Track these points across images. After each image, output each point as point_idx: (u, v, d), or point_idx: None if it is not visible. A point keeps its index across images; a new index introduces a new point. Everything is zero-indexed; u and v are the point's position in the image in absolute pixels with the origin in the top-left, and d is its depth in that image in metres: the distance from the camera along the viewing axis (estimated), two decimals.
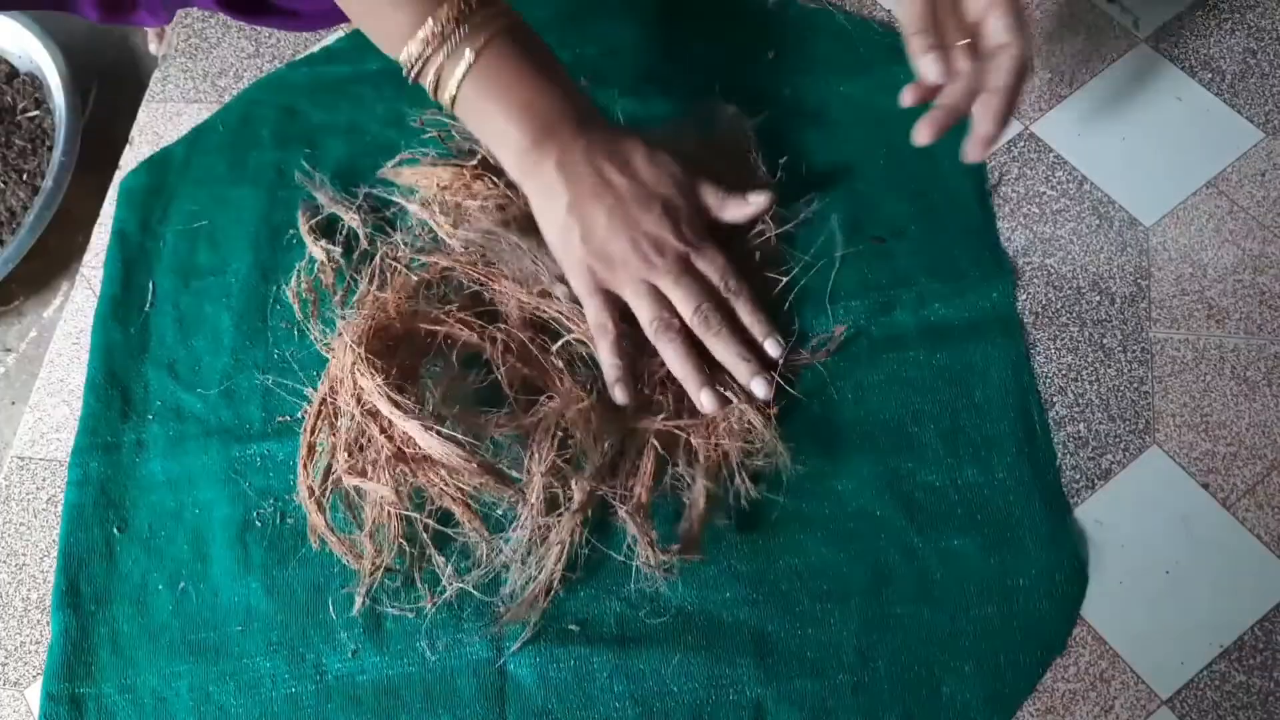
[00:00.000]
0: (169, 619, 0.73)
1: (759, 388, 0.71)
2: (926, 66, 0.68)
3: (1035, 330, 0.74)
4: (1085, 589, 0.67)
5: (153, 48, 1.14)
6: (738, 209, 0.75)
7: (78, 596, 0.74)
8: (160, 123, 0.93)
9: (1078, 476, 0.69)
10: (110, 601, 0.74)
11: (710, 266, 0.73)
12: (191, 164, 0.89)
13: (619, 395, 0.71)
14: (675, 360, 0.71)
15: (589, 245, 0.72)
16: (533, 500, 0.68)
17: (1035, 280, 0.75)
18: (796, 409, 0.72)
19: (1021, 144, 0.81)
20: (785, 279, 0.76)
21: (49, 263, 0.93)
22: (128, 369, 0.81)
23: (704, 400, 0.70)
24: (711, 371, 0.72)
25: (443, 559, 0.71)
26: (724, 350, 0.71)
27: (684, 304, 0.72)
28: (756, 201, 0.75)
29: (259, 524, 0.75)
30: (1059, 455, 0.70)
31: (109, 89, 1.14)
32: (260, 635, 0.71)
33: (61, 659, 0.72)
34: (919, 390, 0.73)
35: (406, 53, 0.71)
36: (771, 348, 0.72)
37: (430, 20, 0.69)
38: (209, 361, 0.81)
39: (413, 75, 0.72)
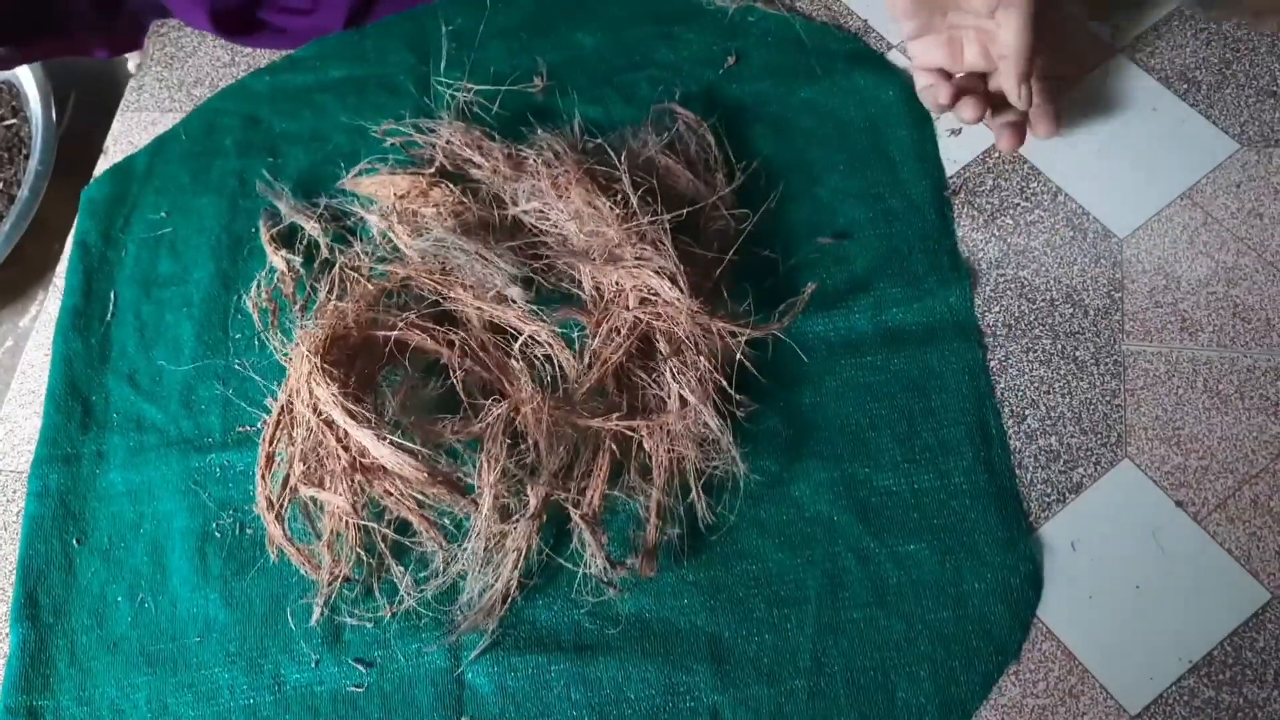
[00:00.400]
0: (128, 630, 0.72)
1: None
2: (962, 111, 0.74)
3: (1008, 342, 0.73)
4: (1040, 593, 0.67)
5: (130, 63, 1.14)
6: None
7: (36, 608, 0.74)
8: (135, 132, 0.93)
9: (1049, 490, 0.69)
10: (69, 613, 0.73)
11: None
12: (154, 173, 0.89)
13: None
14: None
15: None
16: (485, 508, 0.68)
17: (1008, 292, 0.75)
18: (754, 414, 0.72)
19: (995, 155, 0.80)
20: (728, 257, 0.75)
21: (25, 272, 0.93)
22: (88, 380, 0.81)
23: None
24: None
25: (401, 569, 0.70)
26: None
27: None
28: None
29: (218, 535, 0.75)
30: (1030, 468, 0.70)
31: (87, 97, 1.14)
32: (218, 646, 0.71)
33: (19, 671, 0.72)
34: (876, 395, 0.73)
35: None
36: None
37: None
38: (170, 372, 0.81)
39: None
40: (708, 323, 0.71)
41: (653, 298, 0.73)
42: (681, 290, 0.71)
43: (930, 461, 0.70)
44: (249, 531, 0.74)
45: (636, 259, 0.72)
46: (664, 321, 0.72)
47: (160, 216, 0.87)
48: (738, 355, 0.71)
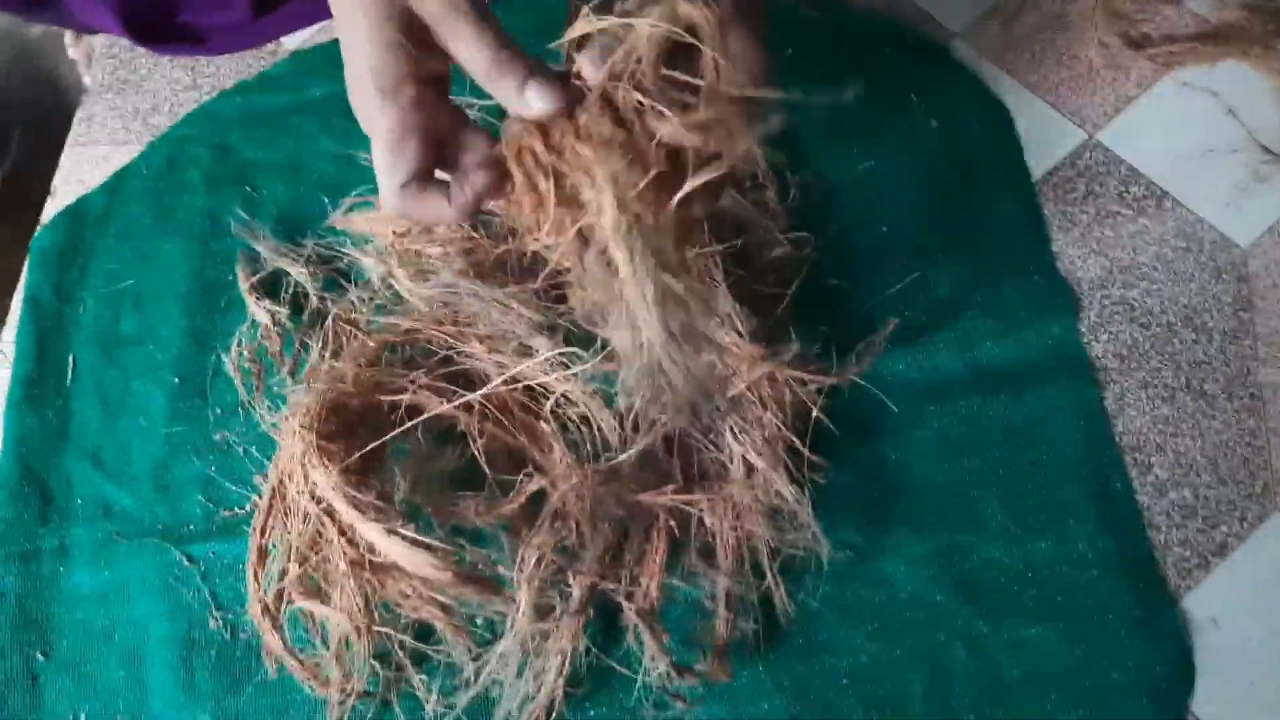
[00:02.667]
0: None
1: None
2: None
3: (1122, 377, 0.64)
4: (1193, 685, 0.56)
5: (85, 78, 1.03)
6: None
7: None
8: (86, 169, 0.82)
9: (1187, 553, 0.59)
10: None
11: None
12: (112, 215, 0.78)
13: (540, 98, 0.47)
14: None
15: None
16: (524, 607, 0.57)
17: (1116, 317, 0.65)
18: (831, 479, 0.62)
19: (1088, 155, 0.70)
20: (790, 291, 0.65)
21: None
22: (45, 460, 0.70)
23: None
24: None
25: (423, 679, 0.60)
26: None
27: None
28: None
29: (206, 642, 0.64)
30: (1163, 529, 0.60)
31: (34, 130, 1.03)
32: None
33: None
34: (973, 448, 0.63)
35: None
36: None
37: None
38: (139, 448, 0.70)
39: None
40: (772, 370, 0.61)
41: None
42: (740, 334, 0.60)
43: (1045, 525, 0.61)
44: (243, 636, 0.64)
45: None
46: (719, 370, 0.62)
47: (120, 266, 0.76)
48: (813, 409, 0.60)
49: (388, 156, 0.47)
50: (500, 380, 0.64)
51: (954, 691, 0.58)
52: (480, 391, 0.63)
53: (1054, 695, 0.57)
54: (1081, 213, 0.68)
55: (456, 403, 0.64)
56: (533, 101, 0.47)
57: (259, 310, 0.71)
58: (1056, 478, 0.62)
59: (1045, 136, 0.71)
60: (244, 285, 0.73)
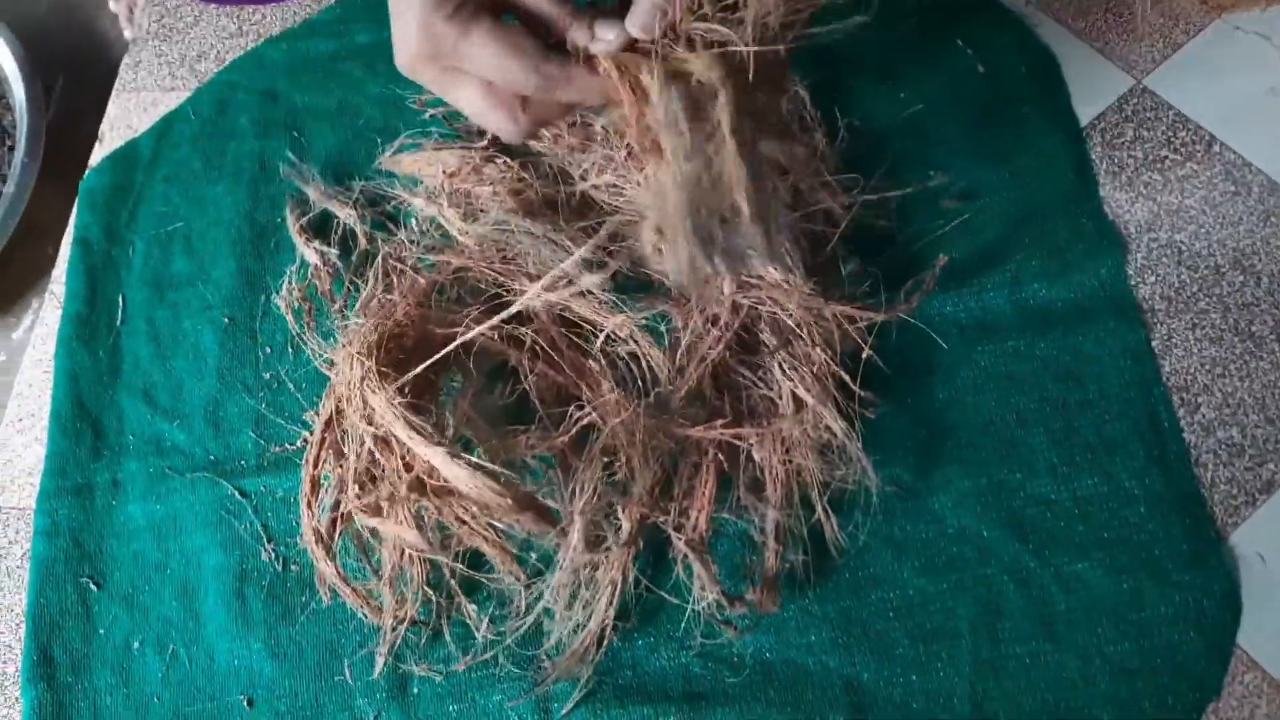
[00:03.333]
0: (158, 689, 0.62)
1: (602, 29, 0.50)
2: None
3: (1169, 319, 0.64)
4: (1239, 619, 0.56)
5: (126, 32, 1.03)
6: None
7: (51, 666, 0.64)
8: (133, 115, 0.83)
9: (1234, 490, 0.59)
10: (89, 670, 0.63)
11: None
12: (161, 158, 0.79)
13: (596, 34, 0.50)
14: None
15: None
16: (575, 538, 0.58)
17: (1164, 260, 0.65)
18: (880, 415, 0.62)
19: (1135, 101, 0.70)
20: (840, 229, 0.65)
21: (15, 278, 0.83)
22: (98, 397, 0.71)
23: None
24: None
25: (474, 607, 0.60)
26: None
27: None
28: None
29: (258, 573, 0.65)
30: (1210, 466, 0.60)
31: (76, 80, 1.04)
32: (266, 705, 0.61)
33: None
34: (1022, 386, 0.63)
35: None
36: None
37: None
38: (191, 385, 0.71)
39: None
40: (822, 307, 0.61)
41: (755, 281, 0.62)
42: (791, 270, 0.60)
43: (1093, 463, 0.61)
44: (294, 568, 0.64)
45: None
46: (769, 308, 0.62)
47: (169, 209, 0.77)
48: (864, 347, 0.61)
49: (510, 47, 0.49)
50: (538, 289, 0.63)
51: (1002, 625, 0.58)
52: (524, 300, 0.61)
53: (1101, 628, 0.57)
54: (1129, 157, 0.68)
55: (508, 339, 0.64)
56: (604, 33, 0.50)
57: (308, 251, 0.72)
58: (1104, 416, 0.62)
59: (1093, 82, 0.71)
60: (293, 227, 0.73)
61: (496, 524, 0.59)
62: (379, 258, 0.69)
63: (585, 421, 0.61)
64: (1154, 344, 0.63)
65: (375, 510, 0.60)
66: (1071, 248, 0.66)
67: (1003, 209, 0.67)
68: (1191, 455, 0.61)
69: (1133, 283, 0.65)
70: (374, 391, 0.60)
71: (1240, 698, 0.55)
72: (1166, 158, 0.68)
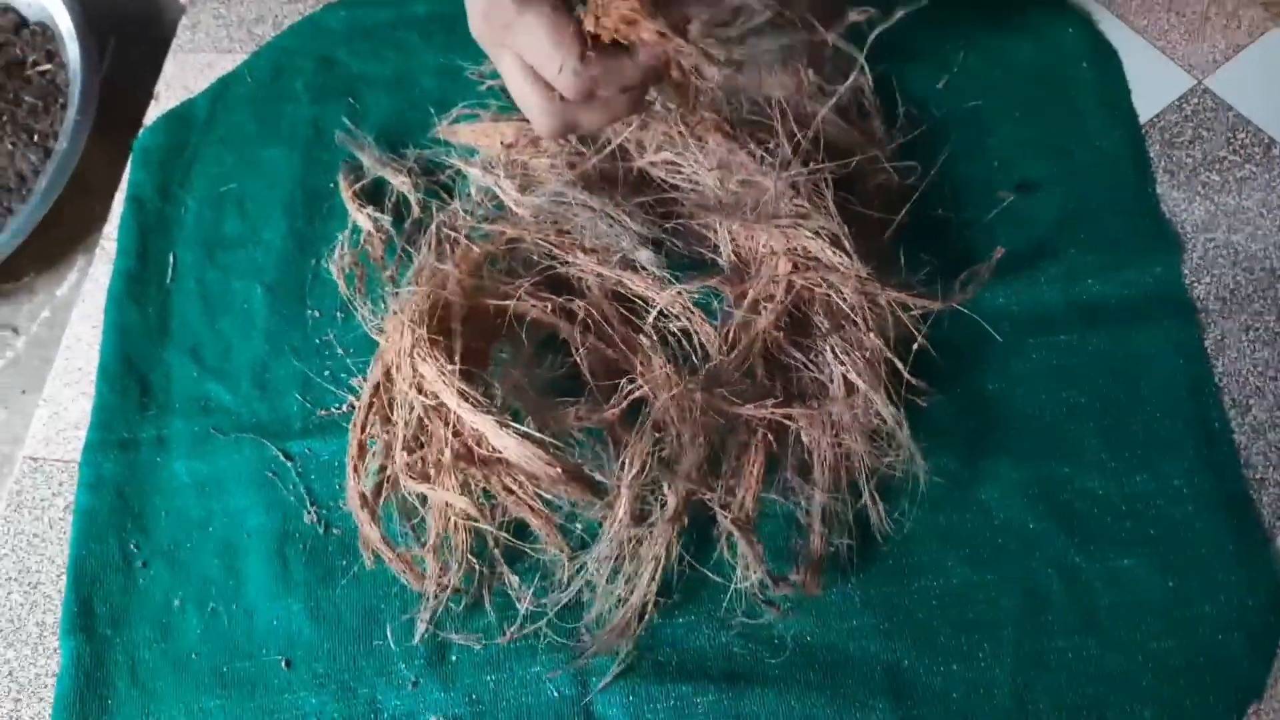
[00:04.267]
0: (197, 645, 0.63)
1: None
2: None
3: (1223, 319, 0.63)
4: None
5: None
6: None
7: (91, 618, 0.64)
8: (189, 75, 0.83)
9: None
10: (128, 624, 0.64)
11: None
12: (216, 120, 0.79)
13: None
14: None
15: None
16: (621, 512, 0.58)
17: (1220, 260, 0.65)
18: (931, 404, 0.62)
19: (1195, 101, 0.70)
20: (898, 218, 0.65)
21: (64, 235, 0.84)
22: (146, 354, 0.71)
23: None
24: None
25: (517, 578, 0.60)
26: None
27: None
28: None
29: (300, 536, 0.65)
30: (1259, 468, 0.59)
31: (129, 40, 1.04)
32: (304, 666, 0.61)
33: (73, 691, 0.62)
34: (1073, 381, 0.63)
35: None
36: None
37: None
38: (239, 346, 0.71)
39: None
40: (876, 293, 0.61)
41: (809, 262, 0.62)
42: (848, 254, 0.60)
43: (1143, 460, 0.60)
44: (336, 532, 0.65)
45: (793, 217, 0.61)
46: (823, 290, 0.62)
47: (223, 170, 0.77)
48: (919, 335, 0.60)
49: (553, 36, 0.48)
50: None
51: (1045, 618, 0.58)
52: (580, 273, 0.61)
53: (1146, 625, 0.57)
54: (1187, 157, 0.68)
55: (559, 311, 0.64)
56: None
57: (361, 217, 0.72)
58: (1155, 413, 0.61)
59: (1153, 81, 0.71)
60: (346, 193, 0.73)
61: (543, 494, 0.59)
62: (432, 226, 0.69)
63: (635, 396, 0.61)
64: (1207, 344, 0.63)
65: (424, 476, 0.60)
66: (1127, 244, 0.65)
67: (1059, 202, 0.67)
68: (1241, 457, 0.60)
69: (1188, 282, 0.64)
70: (424, 359, 0.60)
71: None
72: (1225, 159, 0.67)
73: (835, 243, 0.61)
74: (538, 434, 0.57)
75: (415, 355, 0.60)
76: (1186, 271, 0.65)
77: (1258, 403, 0.61)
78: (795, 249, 0.62)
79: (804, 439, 0.60)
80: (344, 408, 0.68)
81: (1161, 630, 0.57)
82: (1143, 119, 0.69)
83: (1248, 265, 0.64)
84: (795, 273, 0.62)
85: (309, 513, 0.65)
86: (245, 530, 0.65)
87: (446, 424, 0.60)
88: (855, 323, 0.61)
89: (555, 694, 0.59)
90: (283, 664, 0.62)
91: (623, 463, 0.59)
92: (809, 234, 0.61)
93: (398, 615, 0.61)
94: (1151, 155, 0.68)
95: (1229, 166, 0.67)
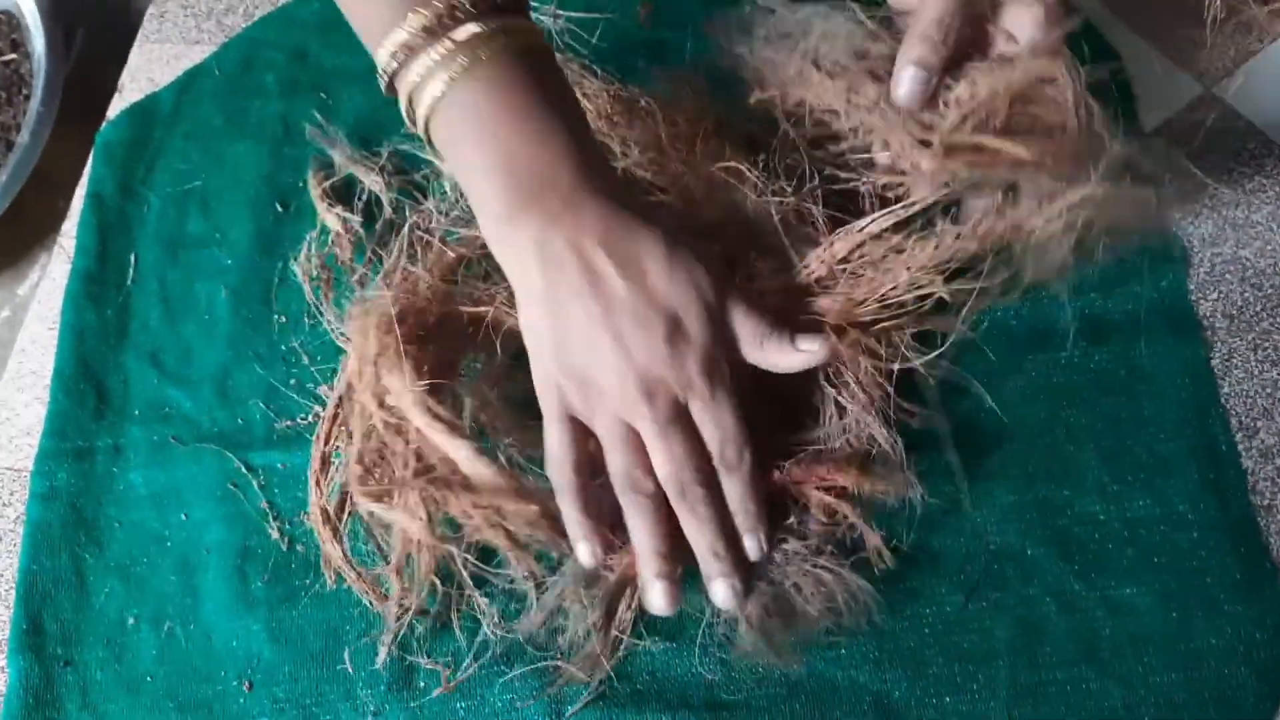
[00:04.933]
0: (152, 667, 0.60)
1: (719, 591, 0.54)
2: None
3: (1231, 338, 0.61)
4: None
5: None
6: (780, 354, 0.56)
7: (41, 636, 0.61)
8: (155, 67, 0.80)
9: None
10: (80, 643, 0.61)
11: (713, 423, 0.54)
12: (181, 114, 0.76)
13: (583, 555, 0.55)
14: (640, 531, 0.54)
15: (560, 358, 0.54)
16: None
17: (1228, 276, 0.63)
18: (924, 422, 0.59)
19: (1204, 109, 0.67)
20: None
21: (25, 231, 0.80)
22: (103, 358, 0.68)
23: (655, 595, 0.54)
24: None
25: (486, 600, 0.57)
26: (697, 533, 0.54)
27: (664, 464, 0.54)
28: (809, 349, 0.55)
29: (262, 552, 0.62)
30: (1267, 494, 0.57)
31: (98, 29, 1.01)
32: (264, 690, 0.59)
33: (20, 713, 0.59)
34: (1073, 399, 0.60)
35: (379, 58, 0.54)
36: (750, 546, 0.54)
37: (409, 18, 0.52)
38: (201, 351, 0.68)
39: (385, 86, 0.56)
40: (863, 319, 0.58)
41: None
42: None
43: (1145, 484, 0.58)
44: (300, 548, 0.62)
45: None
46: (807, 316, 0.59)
47: (188, 166, 0.74)
48: (909, 356, 0.58)
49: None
50: None
51: (1042, 648, 0.55)
52: None
53: (1148, 657, 0.54)
54: (1195, 167, 0.65)
55: None
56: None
57: (330, 216, 0.69)
58: (1159, 434, 0.59)
59: (1161, 88, 0.68)
60: (315, 191, 0.71)
61: (510, 527, 0.57)
62: (405, 227, 0.66)
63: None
64: (1214, 363, 0.60)
65: (379, 495, 0.57)
66: (1132, 258, 0.63)
67: None
68: (1249, 482, 0.58)
69: (1194, 299, 0.62)
70: (390, 371, 0.57)
71: None
72: (1234, 170, 0.65)
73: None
74: (508, 469, 0.54)
75: (379, 365, 0.57)
76: (1193, 287, 0.62)
77: (1265, 426, 0.59)
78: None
79: (790, 490, 0.57)
80: (309, 418, 0.65)
81: (1164, 663, 0.54)
82: (1150, 127, 0.67)
83: (1256, 281, 0.62)
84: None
85: (271, 528, 0.62)
86: (204, 545, 0.63)
87: (407, 441, 0.57)
88: (848, 345, 0.58)
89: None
90: (244, 687, 0.59)
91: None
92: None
93: (362, 638, 0.58)
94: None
95: (1238, 178, 0.65)
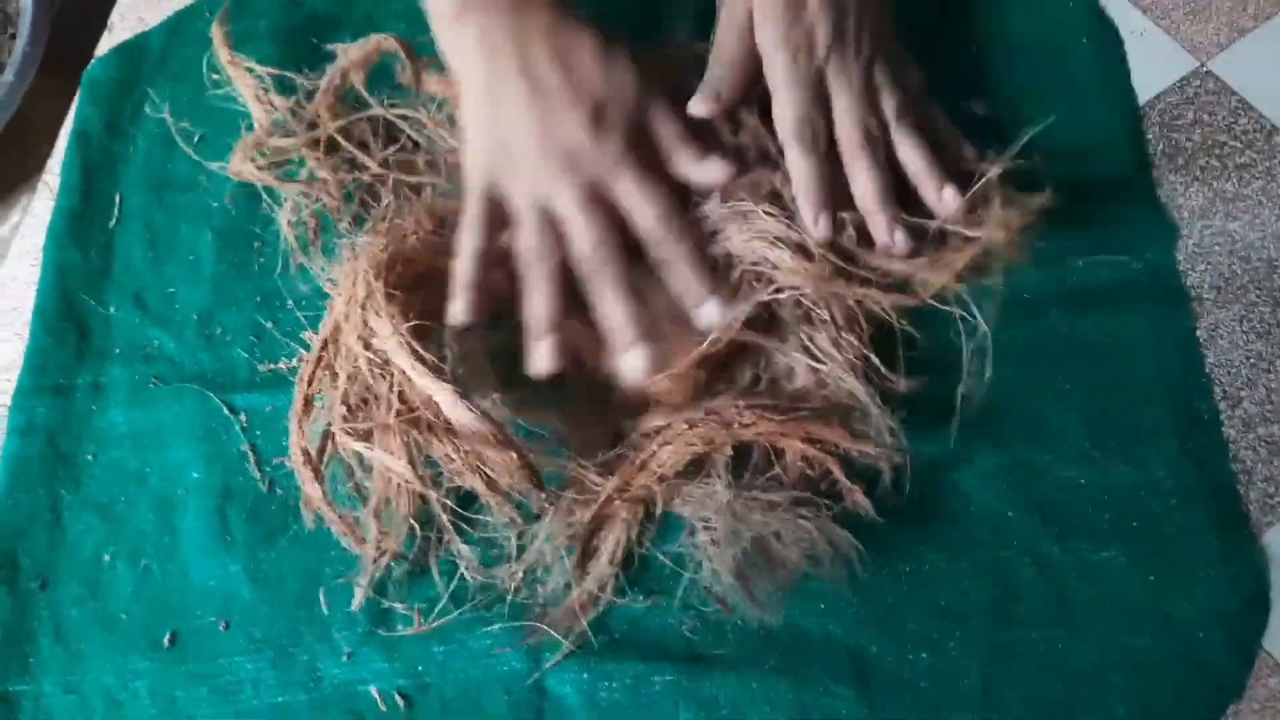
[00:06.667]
0: (128, 604, 0.60)
1: (630, 360, 0.56)
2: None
3: (1217, 309, 0.61)
4: (1267, 619, 0.54)
5: None
6: (693, 166, 0.59)
7: (15, 571, 0.61)
8: (144, 7, 0.79)
9: (1272, 489, 0.57)
10: (55, 580, 0.60)
11: (642, 199, 0.57)
12: (170, 56, 0.75)
13: (458, 309, 0.57)
14: (536, 303, 0.57)
15: (489, 135, 0.58)
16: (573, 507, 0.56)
17: (1216, 248, 0.63)
18: (908, 385, 0.59)
19: (1197, 84, 0.67)
20: None
21: (7, 173, 0.80)
22: (86, 297, 0.68)
23: (539, 355, 0.57)
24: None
25: (466, 547, 0.57)
26: (611, 305, 0.56)
27: (579, 237, 0.57)
28: (713, 170, 0.58)
29: (241, 493, 0.62)
30: (1248, 462, 0.58)
31: None
32: (241, 630, 0.58)
33: None
34: (1057, 365, 0.60)
35: None
36: (710, 310, 0.56)
37: None
38: (185, 293, 0.67)
39: None
40: (843, 291, 0.58)
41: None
42: (811, 258, 0.58)
43: (1126, 450, 0.58)
44: (280, 491, 0.62)
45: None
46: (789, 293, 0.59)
47: (176, 108, 0.73)
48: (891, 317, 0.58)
49: None
50: None
51: (1017, 608, 0.55)
52: None
53: (1122, 620, 0.55)
54: (1187, 140, 0.65)
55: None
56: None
57: (319, 165, 0.68)
58: (1141, 402, 0.59)
59: (1155, 61, 0.68)
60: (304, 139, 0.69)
61: (490, 473, 0.56)
62: (392, 176, 0.66)
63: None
64: (1200, 333, 0.61)
65: (363, 435, 0.57)
66: (1120, 228, 0.63)
67: (1051, 180, 0.64)
68: (1231, 450, 0.58)
69: (1182, 269, 0.62)
70: (377, 314, 0.56)
71: (1264, 701, 0.53)
72: (1226, 144, 0.65)
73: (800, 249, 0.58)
74: (492, 414, 0.54)
75: (368, 308, 0.56)
76: (1182, 258, 0.63)
77: (1249, 395, 0.59)
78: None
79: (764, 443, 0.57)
80: (293, 361, 0.64)
81: (1138, 626, 0.55)
82: (1143, 99, 0.67)
83: (1244, 254, 0.62)
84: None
85: (252, 469, 0.62)
86: (183, 485, 0.62)
87: (392, 385, 0.56)
88: (824, 320, 0.58)
89: (505, 668, 0.56)
90: (221, 626, 0.58)
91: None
92: (767, 244, 0.58)
93: (339, 579, 0.58)
94: (1150, 137, 0.66)
95: (1229, 152, 0.65)
